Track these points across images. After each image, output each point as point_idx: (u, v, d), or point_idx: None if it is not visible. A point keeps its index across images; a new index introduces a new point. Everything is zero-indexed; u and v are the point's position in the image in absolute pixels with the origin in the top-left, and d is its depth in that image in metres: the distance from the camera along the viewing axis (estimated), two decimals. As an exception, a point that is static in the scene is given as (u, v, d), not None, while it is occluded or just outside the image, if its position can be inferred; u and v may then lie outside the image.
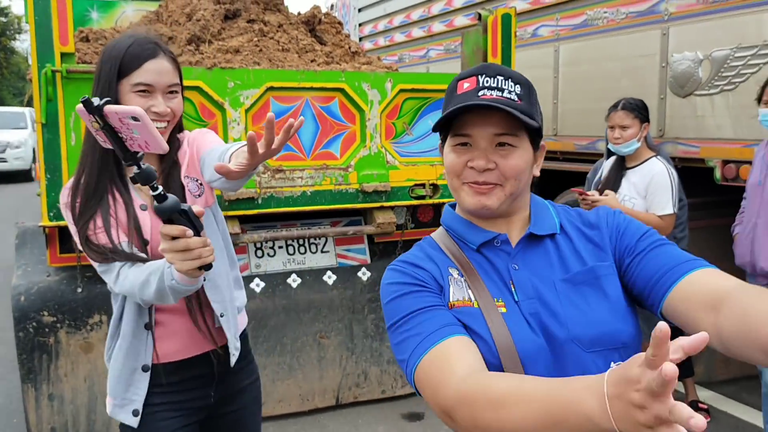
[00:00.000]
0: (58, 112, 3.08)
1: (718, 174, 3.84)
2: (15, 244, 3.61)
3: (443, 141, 1.28)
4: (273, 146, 1.38)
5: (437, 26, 6.63)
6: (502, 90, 1.18)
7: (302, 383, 3.78)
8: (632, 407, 0.74)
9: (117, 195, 1.71)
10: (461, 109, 1.17)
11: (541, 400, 0.89)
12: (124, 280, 1.65)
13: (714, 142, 3.90)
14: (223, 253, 1.89)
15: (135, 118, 1.26)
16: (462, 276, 1.22)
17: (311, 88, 3.61)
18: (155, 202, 1.36)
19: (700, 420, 0.68)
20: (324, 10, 4.68)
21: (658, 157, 3.43)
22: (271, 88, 3.53)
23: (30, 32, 3.06)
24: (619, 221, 1.28)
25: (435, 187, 3.93)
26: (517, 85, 1.19)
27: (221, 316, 1.84)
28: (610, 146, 3.53)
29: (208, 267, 1.47)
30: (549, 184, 5.01)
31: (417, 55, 7.12)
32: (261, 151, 1.39)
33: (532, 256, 1.24)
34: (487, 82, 1.19)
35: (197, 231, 1.41)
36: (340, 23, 4.82)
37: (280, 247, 3.83)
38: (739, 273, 3.40)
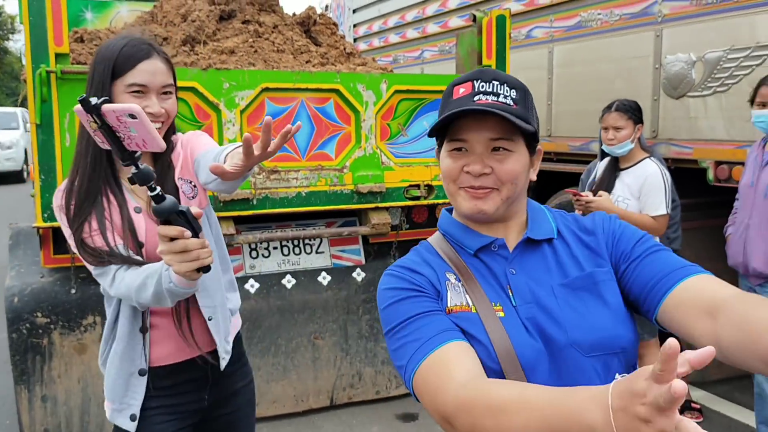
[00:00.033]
0: (53, 113, 3.08)
1: (710, 175, 3.86)
2: (8, 245, 3.60)
3: (440, 146, 1.28)
4: (269, 149, 1.39)
5: (432, 27, 6.64)
6: (497, 95, 1.18)
7: (297, 384, 3.78)
8: (637, 421, 0.74)
9: (111, 197, 1.70)
10: (457, 114, 1.17)
11: (544, 410, 0.88)
12: (120, 283, 1.64)
13: (707, 143, 3.92)
14: (215, 255, 1.89)
15: (132, 116, 1.26)
16: (459, 281, 1.22)
17: (306, 89, 3.62)
18: (153, 203, 1.35)
19: None
20: (318, 11, 4.68)
21: (652, 158, 3.45)
22: (267, 89, 3.53)
23: (24, 32, 3.05)
24: (615, 227, 1.28)
25: (430, 188, 3.94)
26: (513, 90, 1.20)
27: (209, 320, 1.83)
28: (604, 147, 3.55)
29: (206, 269, 1.46)
30: (543, 185, 5.03)
31: (412, 56, 7.13)
32: (256, 153, 1.39)
33: (529, 261, 1.24)
34: (482, 87, 1.19)
35: (195, 232, 1.40)
36: (335, 24, 4.82)
37: (275, 248, 3.83)
38: (732, 273, 3.42)
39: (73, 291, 3.32)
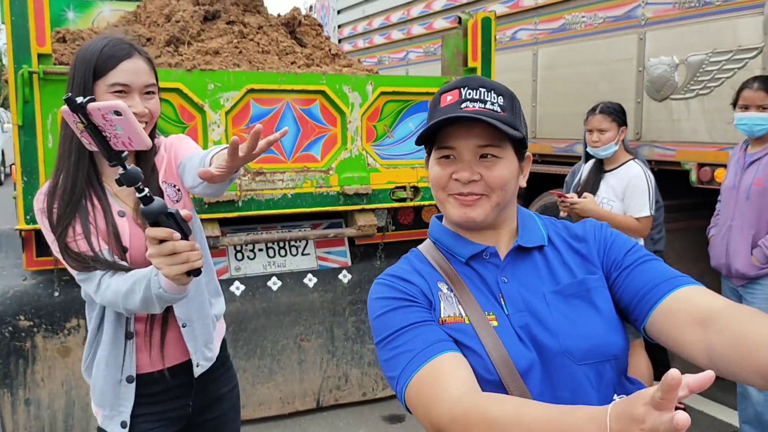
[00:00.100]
0: (35, 114, 3.04)
1: (693, 177, 3.90)
2: (-10, 247, 3.56)
3: (428, 154, 1.28)
4: (254, 151, 1.38)
5: (416, 29, 6.65)
6: (484, 102, 1.18)
7: (282, 386, 3.77)
8: None
9: (95, 201, 1.68)
10: (444, 122, 1.17)
11: (541, 428, 0.88)
12: (106, 289, 1.61)
13: (689, 145, 3.96)
14: None
15: (117, 113, 1.24)
16: (451, 291, 1.21)
17: (292, 91, 3.61)
18: (141, 205, 1.33)
19: None
20: (303, 11, 4.67)
21: (636, 160, 3.48)
22: (252, 90, 3.52)
23: (6, 33, 3.01)
24: (606, 235, 1.28)
25: (416, 190, 3.94)
26: (500, 97, 1.20)
27: (183, 327, 1.80)
28: (588, 149, 3.57)
29: (196, 272, 1.43)
30: (527, 187, 5.04)
31: (396, 58, 7.14)
32: (241, 154, 1.39)
33: (521, 269, 1.24)
34: (469, 94, 1.19)
35: (185, 235, 1.37)
36: (320, 25, 4.81)
37: (260, 250, 3.82)
38: (715, 274, 3.47)
39: (57, 294, 3.29)
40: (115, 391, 1.76)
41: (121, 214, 1.71)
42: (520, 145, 1.24)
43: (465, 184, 1.20)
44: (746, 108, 3.16)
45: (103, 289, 1.62)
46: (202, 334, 1.85)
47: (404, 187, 3.91)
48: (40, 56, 3.04)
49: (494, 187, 1.20)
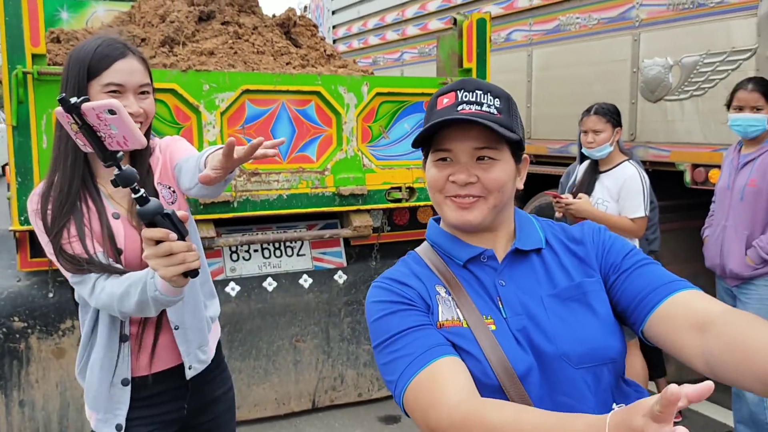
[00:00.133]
0: (30, 115, 3.03)
1: (688, 177, 3.92)
2: (-17, 248, 3.55)
3: (425, 156, 1.28)
4: (249, 157, 1.39)
5: (411, 29, 6.66)
6: (480, 104, 1.18)
7: (278, 387, 3.77)
8: None
9: (90, 202, 1.67)
10: (440, 125, 1.17)
11: None
12: (101, 292, 1.60)
13: (684, 146, 3.97)
14: None
15: (112, 111, 1.24)
16: (449, 294, 1.21)
17: (287, 91, 3.61)
18: (137, 206, 1.32)
19: None
20: (297, 12, 4.66)
21: (631, 161, 3.49)
22: (247, 91, 3.51)
23: (0, 33, 3.00)
24: (605, 238, 1.28)
25: (411, 191, 3.95)
26: (497, 99, 1.20)
27: (176, 329, 1.79)
28: (583, 150, 3.58)
29: (194, 274, 1.41)
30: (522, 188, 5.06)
31: (391, 58, 7.14)
32: (236, 156, 1.39)
33: (518, 272, 1.24)
34: (465, 96, 1.19)
35: (182, 236, 1.36)
36: (315, 26, 4.81)
37: (256, 251, 3.81)
38: (710, 275, 3.48)
39: (51, 295, 3.28)
40: (110, 394, 1.75)
41: (116, 216, 1.70)
42: (517, 147, 1.23)
43: (462, 186, 1.20)
44: (740, 109, 3.17)
45: (97, 293, 1.61)
46: (196, 336, 1.84)
47: (400, 188, 3.91)
48: (34, 56, 3.03)
49: (491, 189, 1.20)
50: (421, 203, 3.98)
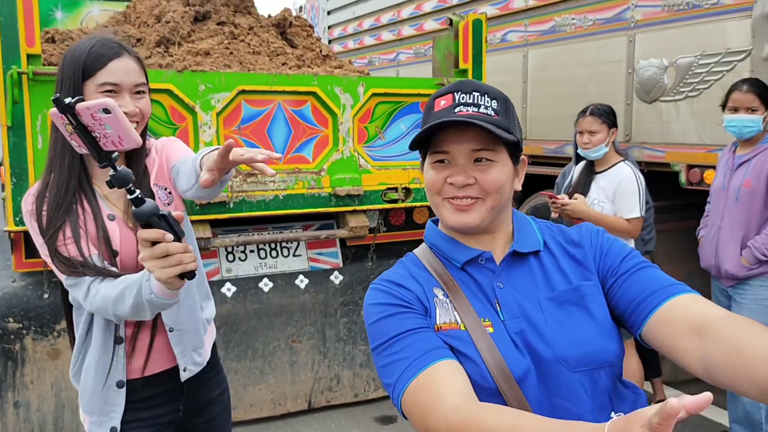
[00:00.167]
0: (25, 115, 3.02)
1: (683, 178, 3.93)
2: (-22, 249, 3.53)
3: (423, 158, 1.28)
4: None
5: (407, 30, 6.66)
6: (478, 106, 1.18)
7: (274, 388, 3.76)
8: None
9: (85, 204, 1.66)
10: (437, 127, 1.17)
11: None
12: (95, 296, 1.59)
13: (679, 147, 3.99)
14: None
15: (106, 110, 1.23)
16: (447, 297, 1.21)
17: (283, 92, 3.60)
18: (132, 207, 1.31)
19: None
20: (292, 12, 4.66)
21: (626, 161, 3.50)
22: (243, 92, 3.51)
23: (-5, 33, 2.99)
24: (603, 241, 1.28)
25: (407, 191, 3.95)
26: (494, 101, 1.20)
27: (170, 331, 1.79)
28: (579, 151, 3.59)
29: (190, 275, 1.40)
30: (518, 188, 5.07)
31: (387, 59, 7.14)
32: (231, 158, 1.39)
33: (516, 274, 1.23)
34: (463, 98, 1.19)
35: (178, 237, 1.35)
36: (311, 26, 4.81)
37: (252, 251, 3.81)
38: (705, 275, 3.49)
39: (46, 296, 3.27)
40: (105, 396, 1.74)
41: (111, 218, 1.69)
42: (514, 149, 1.23)
43: (460, 188, 1.19)
44: (735, 110, 3.19)
45: (92, 296, 1.60)
46: (192, 338, 1.83)
47: (396, 189, 3.91)
48: (29, 57, 3.02)
49: (489, 191, 1.20)
50: (417, 204, 3.98)
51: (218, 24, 4.21)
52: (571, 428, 0.86)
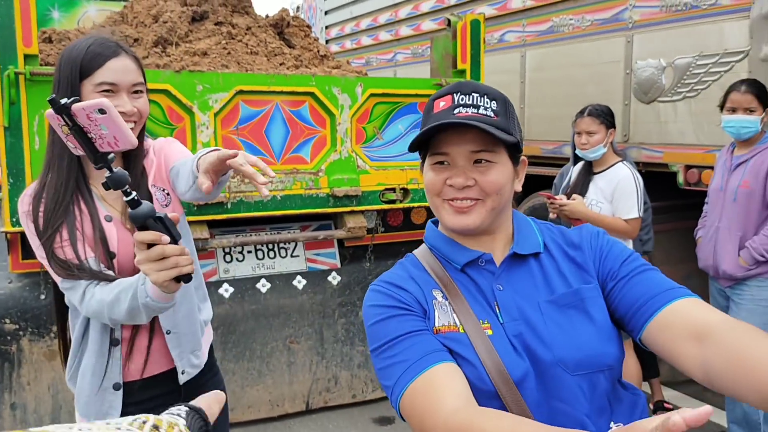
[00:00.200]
0: (21, 115, 3.01)
1: (681, 178, 3.93)
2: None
3: (423, 160, 1.27)
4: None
5: (404, 30, 6.65)
6: (477, 107, 1.18)
7: (272, 389, 3.76)
8: None
9: (82, 205, 1.65)
10: (437, 128, 1.17)
11: None
12: (91, 299, 1.58)
13: (677, 147, 3.99)
14: None
15: (102, 111, 1.22)
16: (446, 299, 1.21)
17: (281, 92, 3.59)
18: (128, 209, 1.30)
19: None
20: (290, 12, 4.65)
21: (624, 162, 3.50)
22: (241, 92, 3.50)
23: (-8, 33, 2.98)
24: (602, 244, 1.27)
25: (405, 192, 3.94)
26: (494, 101, 1.20)
27: (168, 333, 1.78)
28: (577, 151, 3.59)
29: (186, 278, 1.39)
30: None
31: (384, 59, 7.14)
32: (229, 164, 1.40)
33: (516, 276, 1.23)
34: (462, 99, 1.19)
35: (174, 239, 1.34)
36: (308, 26, 4.80)
37: (249, 252, 3.80)
38: (703, 275, 3.49)
39: (43, 297, 3.25)
40: (101, 399, 1.73)
41: (108, 219, 1.68)
42: (514, 149, 1.23)
43: (460, 189, 1.19)
44: (733, 111, 3.19)
45: (87, 300, 1.59)
46: (190, 341, 1.83)
47: (394, 189, 3.90)
48: (26, 57, 3.01)
49: (489, 192, 1.19)
50: (415, 204, 3.97)
51: (216, 24, 4.21)
52: None
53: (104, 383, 1.72)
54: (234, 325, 3.65)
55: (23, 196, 1.66)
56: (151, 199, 1.72)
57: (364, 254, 4.03)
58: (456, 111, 1.18)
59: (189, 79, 3.38)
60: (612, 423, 1.15)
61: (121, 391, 1.74)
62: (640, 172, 3.64)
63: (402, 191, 3.93)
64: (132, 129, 1.65)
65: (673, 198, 4.24)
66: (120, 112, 1.59)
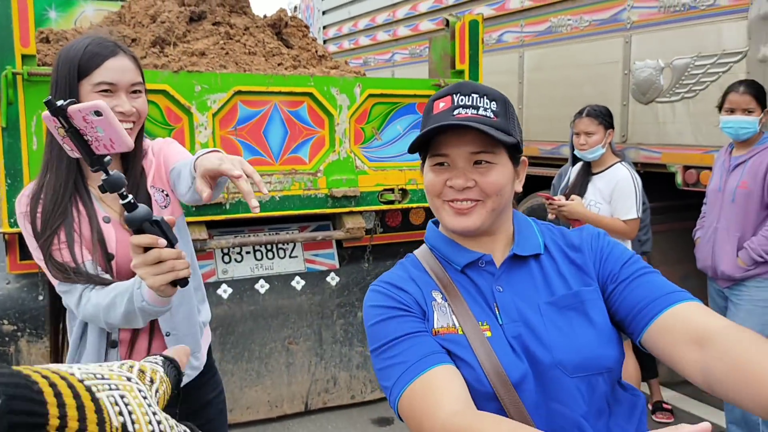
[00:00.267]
0: (19, 116, 3.00)
1: (679, 179, 3.94)
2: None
3: (423, 161, 1.27)
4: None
5: (402, 30, 6.65)
6: (477, 108, 1.17)
7: (271, 389, 3.75)
8: None
9: (81, 206, 1.64)
10: (436, 130, 1.16)
11: None
12: (87, 303, 1.57)
13: (675, 148, 3.99)
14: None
15: (98, 113, 1.21)
16: (445, 300, 1.20)
17: (280, 93, 3.59)
18: (125, 212, 1.29)
19: None
20: (287, 12, 4.64)
21: (623, 162, 3.50)
22: (239, 92, 3.49)
23: (-11, 33, 2.97)
24: (603, 245, 1.27)
25: (404, 192, 3.94)
26: (493, 102, 1.19)
27: (167, 335, 1.77)
28: (575, 152, 3.59)
29: (183, 283, 1.38)
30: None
31: (382, 59, 7.13)
32: (227, 174, 1.40)
33: (516, 278, 1.23)
34: (461, 100, 1.18)
35: (171, 243, 1.33)
36: (306, 26, 4.79)
37: (248, 253, 3.79)
38: (701, 276, 3.49)
39: (41, 297, 3.24)
40: None
41: (107, 220, 1.67)
42: (514, 150, 1.23)
43: (460, 191, 1.19)
44: (732, 111, 3.19)
45: (83, 304, 1.58)
46: (189, 343, 1.81)
47: (392, 190, 3.90)
48: (24, 57, 3.00)
49: (489, 193, 1.19)
50: (414, 205, 3.97)
51: (214, 24, 4.20)
52: None
53: None
54: (233, 325, 3.64)
55: (21, 197, 1.65)
56: (150, 200, 1.71)
57: (362, 255, 4.03)
58: (456, 112, 1.17)
59: (187, 80, 3.37)
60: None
61: None
62: (638, 172, 3.64)
63: (400, 192, 3.92)
64: (131, 129, 1.64)
65: (672, 198, 4.24)
66: (118, 112, 1.59)
